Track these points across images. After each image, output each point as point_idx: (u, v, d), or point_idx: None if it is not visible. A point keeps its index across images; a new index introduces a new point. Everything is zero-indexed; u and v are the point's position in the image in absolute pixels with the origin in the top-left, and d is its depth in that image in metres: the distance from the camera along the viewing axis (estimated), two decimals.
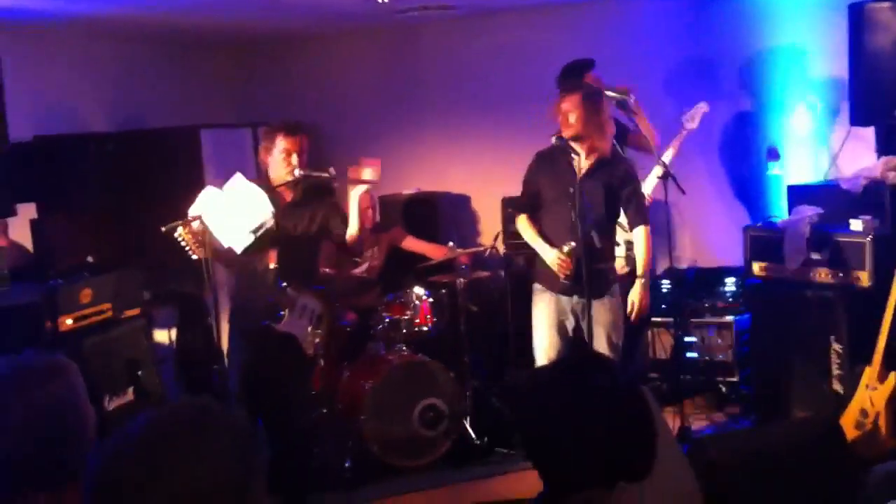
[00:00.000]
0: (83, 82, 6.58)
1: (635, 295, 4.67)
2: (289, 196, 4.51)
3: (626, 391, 1.84)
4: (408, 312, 5.44)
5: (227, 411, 1.45)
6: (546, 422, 1.77)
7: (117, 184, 6.02)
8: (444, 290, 5.69)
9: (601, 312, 4.60)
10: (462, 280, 5.49)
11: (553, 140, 4.65)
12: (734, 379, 5.73)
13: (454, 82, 7.32)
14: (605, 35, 6.68)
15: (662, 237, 5.28)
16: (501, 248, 6.35)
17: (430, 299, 5.54)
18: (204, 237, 4.05)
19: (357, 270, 5.91)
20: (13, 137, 5.49)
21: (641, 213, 4.73)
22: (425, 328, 5.48)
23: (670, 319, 5.79)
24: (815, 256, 5.07)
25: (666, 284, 6.00)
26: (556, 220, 4.65)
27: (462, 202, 7.29)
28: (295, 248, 4.47)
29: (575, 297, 4.62)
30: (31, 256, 5.63)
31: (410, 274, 5.78)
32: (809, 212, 5.22)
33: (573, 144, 4.57)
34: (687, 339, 5.84)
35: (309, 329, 4.45)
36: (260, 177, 4.53)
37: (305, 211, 4.52)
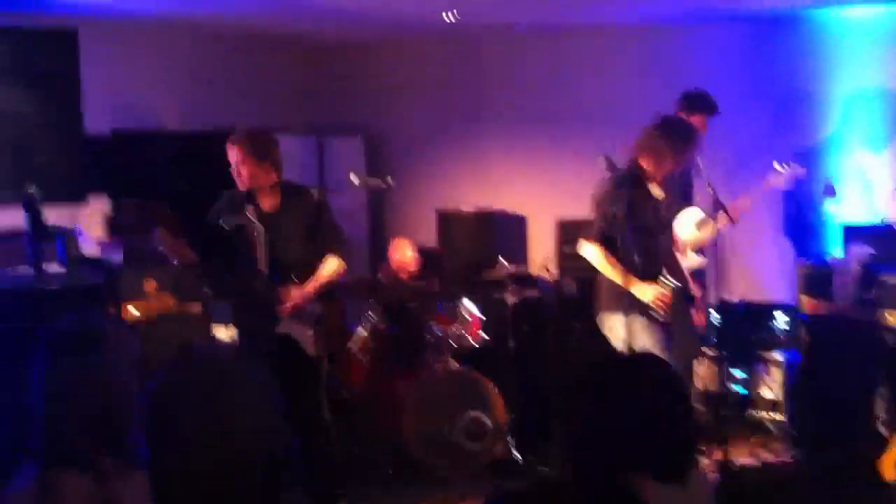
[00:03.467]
0: (161, 80, 6.80)
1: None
2: (266, 204, 4.44)
3: (681, 395, 1.91)
4: (457, 325, 5.53)
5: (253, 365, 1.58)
6: (606, 400, 1.84)
7: (187, 180, 6.22)
8: (494, 307, 5.77)
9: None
10: (512, 298, 5.56)
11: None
12: (781, 416, 5.70)
13: (517, 100, 7.41)
14: (670, 61, 6.75)
15: (711, 268, 5.29)
16: (554, 270, 6.42)
17: (480, 314, 5.62)
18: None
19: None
20: (91, 130, 5.75)
21: None
22: (473, 342, 5.56)
23: (719, 352, 5.79)
24: (864, 296, 5.07)
25: (715, 317, 6.00)
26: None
27: (517, 222, 7.38)
28: (284, 252, 4.44)
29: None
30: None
31: (462, 288, 5.87)
32: (861, 251, 5.22)
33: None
34: (734, 372, 5.83)
35: (309, 331, 4.53)
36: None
37: (288, 217, 4.48)
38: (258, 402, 1.53)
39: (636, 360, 1.99)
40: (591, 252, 4.63)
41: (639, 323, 4.54)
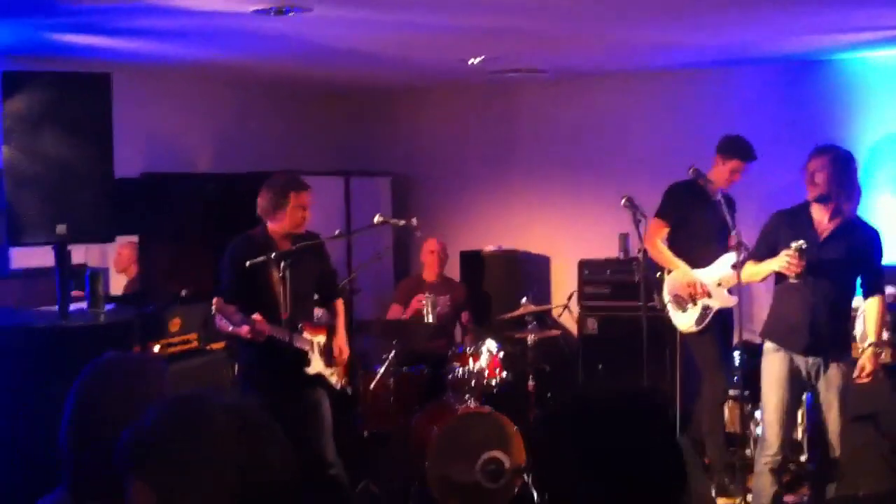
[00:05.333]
0: (192, 124, 6.99)
1: (865, 359, 4.60)
2: (284, 247, 4.52)
3: (669, 440, 1.89)
4: (478, 364, 5.57)
5: (229, 400, 1.62)
6: (586, 458, 1.82)
7: (216, 222, 6.35)
8: (516, 346, 5.81)
9: (836, 375, 4.56)
10: (533, 337, 5.60)
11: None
12: (803, 457, 5.65)
13: (541, 143, 7.51)
14: (694, 104, 6.80)
15: (737, 308, 5.30)
16: (576, 310, 6.44)
17: (501, 353, 5.66)
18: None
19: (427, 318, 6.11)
20: (122, 173, 5.90)
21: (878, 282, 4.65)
22: (494, 381, 5.59)
23: (743, 392, 5.76)
24: (892, 336, 5.04)
25: (738, 357, 5.97)
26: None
27: (541, 261, 7.43)
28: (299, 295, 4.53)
29: (811, 358, 4.58)
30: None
31: (484, 326, 5.92)
32: (888, 292, 5.18)
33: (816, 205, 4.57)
34: (758, 414, 5.78)
35: (333, 370, 4.66)
36: (258, 228, 4.61)
37: (304, 261, 4.58)
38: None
39: (624, 396, 1.98)
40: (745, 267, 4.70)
41: (769, 352, 4.66)
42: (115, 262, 6.26)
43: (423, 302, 6.27)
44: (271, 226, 4.57)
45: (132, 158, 6.14)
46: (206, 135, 7.14)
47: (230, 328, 4.29)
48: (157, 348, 4.81)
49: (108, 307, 4.75)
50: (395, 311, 6.54)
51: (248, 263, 4.34)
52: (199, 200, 6.35)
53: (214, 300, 4.21)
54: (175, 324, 4.98)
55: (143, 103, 6.44)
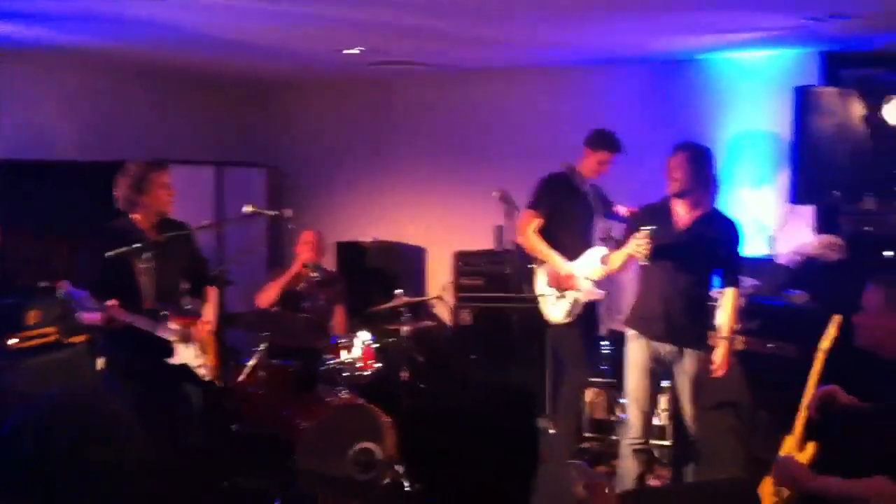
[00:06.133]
0: (55, 110, 6.73)
1: (717, 354, 4.71)
2: (151, 235, 4.43)
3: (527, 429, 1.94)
4: (351, 355, 5.54)
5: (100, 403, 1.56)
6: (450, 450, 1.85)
7: (80, 211, 6.12)
8: (391, 338, 5.80)
9: (690, 363, 4.69)
10: (407, 328, 5.60)
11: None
12: (668, 442, 5.82)
13: (418, 136, 7.54)
14: (566, 101, 6.93)
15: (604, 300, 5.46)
16: (451, 301, 6.48)
17: (375, 344, 5.64)
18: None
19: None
20: None
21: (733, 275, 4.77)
22: (367, 372, 5.57)
23: (608, 380, 5.91)
24: (748, 325, 5.24)
25: (606, 345, 6.13)
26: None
27: (417, 253, 7.45)
28: (166, 283, 4.46)
29: (668, 346, 4.70)
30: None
31: (357, 318, 5.89)
32: (747, 283, 5.40)
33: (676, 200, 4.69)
34: (622, 401, 5.93)
35: (201, 360, 4.56)
36: (120, 218, 4.48)
37: (171, 249, 4.48)
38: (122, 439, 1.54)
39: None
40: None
41: (631, 339, 4.80)
42: None
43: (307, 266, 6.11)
44: (136, 216, 4.43)
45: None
46: (74, 122, 6.88)
47: (87, 316, 4.12)
48: (13, 341, 4.63)
49: None
50: (269, 290, 6.30)
51: (109, 254, 4.18)
52: (63, 189, 6.10)
53: (59, 283, 4.01)
54: (33, 316, 4.80)
55: (6, 87, 6.17)
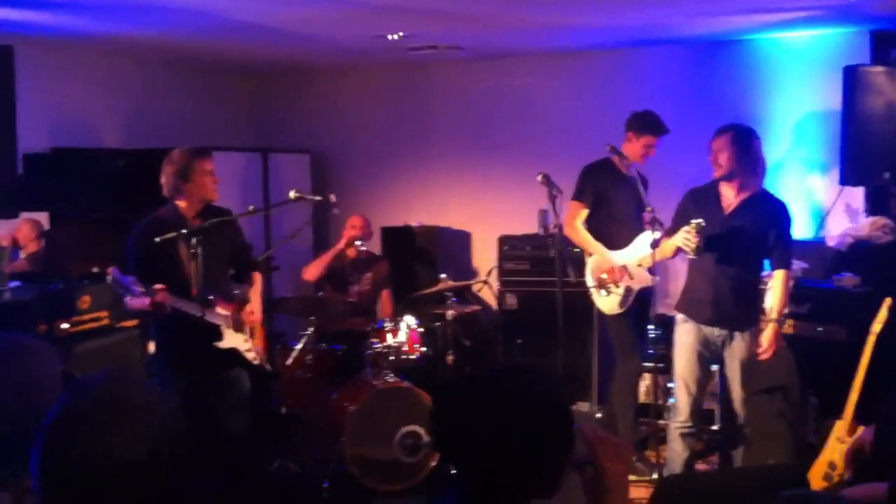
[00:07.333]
0: (101, 99, 6.81)
1: (765, 337, 4.68)
2: (198, 221, 4.45)
3: (555, 405, 1.91)
4: (396, 339, 5.56)
5: (144, 391, 1.56)
6: (472, 419, 1.84)
7: (127, 198, 6.21)
8: (436, 322, 5.82)
9: (740, 346, 4.67)
10: (452, 312, 5.61)
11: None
12: (715, 426, 5.78)
13: (461, 121, 7.52)
14: (608, 84, 6.87)
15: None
16: (496, 285, 6.48)
17: (421, 329, 5.66)
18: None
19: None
20: (30, 147, 5.74)
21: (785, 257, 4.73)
22: (413, 356, 5.60)
23: (654, 365, 5.87)
24: (797, 309, 5.17)
25: (655, 330, 6.08)
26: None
27: (461, 238, 7.45)
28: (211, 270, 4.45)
29: (717, 329, 4.69)
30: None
31: (402, 302, 5.92)
32: (795, 266, 5.32)
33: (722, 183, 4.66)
34: (671, 385, 5.89)
35: (249, 344, 4.60)
36: (166, 207, 4.50)
37: (216, 236, 4.48)
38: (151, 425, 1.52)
39: (510, 375, 1.99)
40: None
41: (679, 323, 4.82)
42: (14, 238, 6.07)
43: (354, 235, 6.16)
44: (181, 203, 4.46)
45: (38, 134, 5.97)
46: (120, 111, 6.97)
47: (134, 302, 4.16)
48: (65, 326, 4.71)
49: (11, 284, 4.62)
50: (316, 264, 6.34)
51: (157, 239, 4.22)
52: (109, 176, 6.19)
53: (109, 270, 4.06)
54: (85, 301, 4.88)
55: (50, 77, 6.25)
